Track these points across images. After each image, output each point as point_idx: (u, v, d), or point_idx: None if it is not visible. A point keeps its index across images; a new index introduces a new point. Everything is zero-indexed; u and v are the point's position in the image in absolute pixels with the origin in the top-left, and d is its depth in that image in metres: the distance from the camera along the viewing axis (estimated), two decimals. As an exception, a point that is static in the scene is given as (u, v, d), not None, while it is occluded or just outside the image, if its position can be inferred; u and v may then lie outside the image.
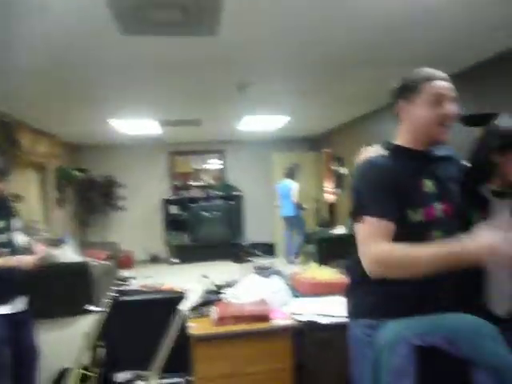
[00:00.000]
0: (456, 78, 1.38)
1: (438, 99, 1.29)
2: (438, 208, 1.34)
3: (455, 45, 2.92)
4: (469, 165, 1.47)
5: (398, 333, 1.20)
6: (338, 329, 1.81)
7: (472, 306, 1.38)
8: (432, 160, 1.39)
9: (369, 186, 1.32)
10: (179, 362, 1.97)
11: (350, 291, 1.47)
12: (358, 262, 1.29)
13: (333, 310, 1.90)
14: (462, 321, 1.22)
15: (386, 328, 1.24)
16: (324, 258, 4.34)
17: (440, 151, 1.41)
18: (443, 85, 1.30)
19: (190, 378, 1.99)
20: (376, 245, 1.23)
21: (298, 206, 6.43)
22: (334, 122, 6.25)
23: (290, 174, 6.52)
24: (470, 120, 1.52)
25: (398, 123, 1.40)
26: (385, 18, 2.39)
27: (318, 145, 7.65)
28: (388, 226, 1.26)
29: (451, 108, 1.30)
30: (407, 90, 1.33)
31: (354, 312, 1.42)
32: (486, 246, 1.13)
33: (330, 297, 2.07)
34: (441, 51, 3.00)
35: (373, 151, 1.40)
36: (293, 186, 6.40)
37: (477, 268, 1.36)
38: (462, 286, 1.39)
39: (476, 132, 1.51)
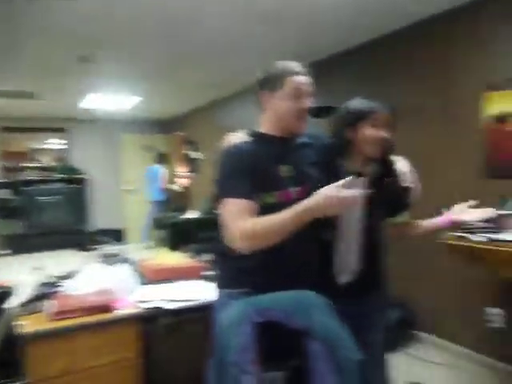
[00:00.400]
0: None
1: (298, 94, 1.38)
2: (294, 191, 1.44)
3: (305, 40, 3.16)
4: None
5: (241, 312, 1.25)
6: (186, 313, 1.83)
7: (323, 278, 1.52)
8: (292, 147, 1.48)
9: (229, 170, 1.40)
10: (9, 367, 1.74)
11: (216, 267, 1.60)
12: (222, 240, 1.38)
13: (180, 294, 1.88)
14: (299, 295, 1.32)
15: (230, 308, 1.28)
16: (175, 243, 4.31)
17: (301, 138, 1.52)
18: (304, 80, 1.40)
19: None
20: (239, 222, 1.31)
21: (166, 191, 6.65)
22: (187, 105, 6.24)
23: (160, 159, 6.75)
24: (316, 112, 1.63)
25: (261, 111, 1.47)
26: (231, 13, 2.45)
27: (171, 128, 7.52)
28: (249, 204, 1.34)
29: (306, 102, 1.41)
30: (270, 82, 1.40)
31: (218, 284, 1.53)
32: (322, 196, 1.26)
33: (178, 282, 2.05)
34: (289, 44, 3.21)
35: (236, 137, 1.47)
36: (161, 171, 6.63)
37: (327, 243, 1.56)
38: (314, 260, 1.53)
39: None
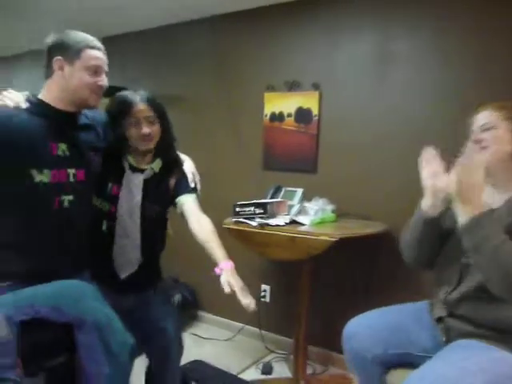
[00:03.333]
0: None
1: (96, 68, 1.35)
2: (71, 173, 1.36)
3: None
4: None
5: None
6: None
7: (102, 272, 1.53)
8: (74, 125, 1.40)
9: None
10: None
11: None
12: None
13: None
14: (65, 286, 1.23)
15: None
16: None
17: (81, 119, 1.44)
18: (101, 55, 1.38)
19: None
20: None
21: None
22: None
23: None
24: (112, 91, 1.62)
25: (48, 77, 1.37)
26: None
27: None
28: None
29: (105, 80, 1.39)
30: (67, 50, 1.33)
31: None
32: None
33: None
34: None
35: (12, 99, 1.30)
36: None
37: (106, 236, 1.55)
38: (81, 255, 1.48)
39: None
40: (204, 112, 3.08)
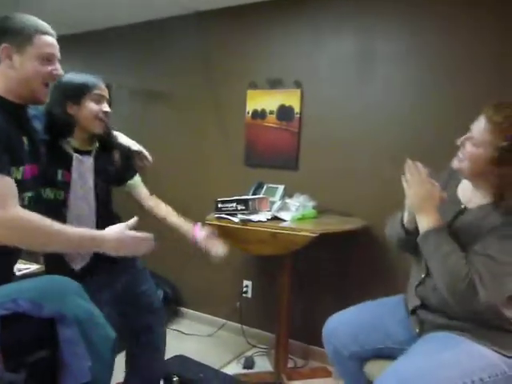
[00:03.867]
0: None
1: (50, 56, 1.24)
2: (29, 168, 1.29)
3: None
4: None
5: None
6: None
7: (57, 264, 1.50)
8: (26, 117, 1.33)
9: None
10: None
11: None
12: None
13: None
14: (48, 282, 1.23)
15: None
16: None
17: (29, 111, 1.37)
18: (54, 42, 1.26)
19: None
20: (10, 208, 1.10)
21: None
22: None
23: None
24: None
25: None
26: None
27: None
28: (10, 182, 1.14)
29: (59, 68, 1.28)
30: (16, 36, 1.19)
31: None
32: (114, 239, 1.26)
33: None
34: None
35: None
36: None
37: None
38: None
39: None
40: (187, 108, 3.07)
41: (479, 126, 1.29)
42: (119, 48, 3.35)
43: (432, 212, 1.29)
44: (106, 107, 1.53)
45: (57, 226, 1.17)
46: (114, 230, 1.29)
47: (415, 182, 1.31)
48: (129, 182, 1.76)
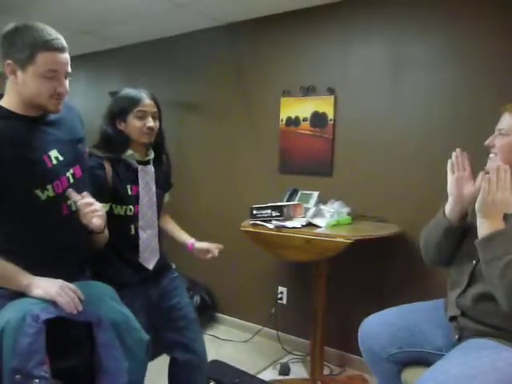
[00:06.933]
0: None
1: (51, 75, 1.19)
2: (70, 175, 1.33)
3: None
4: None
5: (23, 312, 1.14)
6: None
7: (132, 267, 1.62)
8: (46, 126, 1.30)
9: None
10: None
11: None
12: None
13: None
14: (84, 286, 1.28)
15: (6, 309, 1.16)
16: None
17: (50, 116, 1.32)
18: (60, 57, 1.19)
19: None
20: None
21: None
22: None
23: None
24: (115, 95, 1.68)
25: (5, 81, 1.23)
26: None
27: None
28: None
29: (65, 85, 1.23)
30: (18, 53, 1.16)
31: None
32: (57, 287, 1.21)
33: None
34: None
35: None
36: None
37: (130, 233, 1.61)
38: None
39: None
40: (222, 118, 3.14)
41: (504, 120, 1.30)
42: (153, 61, 3.47)
43: (499, 219, 1.24)
44: (149, 122, 1.59)
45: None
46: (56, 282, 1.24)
47: (500, 186, 1.23)
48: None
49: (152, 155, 1.69)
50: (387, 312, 1.60)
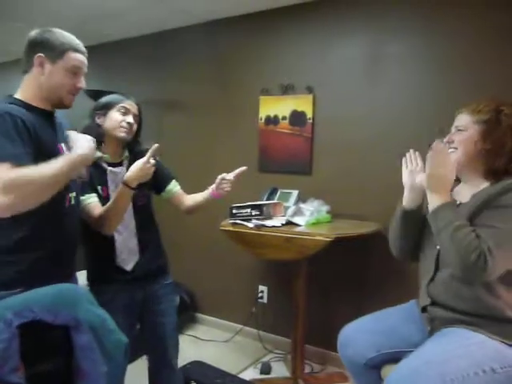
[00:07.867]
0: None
1: (76, 71, 1.36)
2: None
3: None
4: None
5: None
6: None
7: (110, 268, 1.62)
8: (56, 122, 1.42)
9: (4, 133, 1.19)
10: None
11: None
12: None
13: None
14: (60, 289, 1.25)
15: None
16: None
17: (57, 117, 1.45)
18: (83, 59, 1.39)
19: None
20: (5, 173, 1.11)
21: None
22: None
23: None
24: (94, 94, 1.66)
25: (26, 72, 1.35)
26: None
27: None
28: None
29: (83, 82, 1.41)
30: (50, 49, 1.32)
31: None
32: (88, 143, 1.34)
33: None
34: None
35: None
36: None
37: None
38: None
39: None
40: (201, 116, 3.11)
41: (461, 118, 1.43)
42: (132, 59, 3.42)
43: (446, 193, 1.33)
44: (130, 118, 1.64)
45: (41, 165, 1.19)
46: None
47: (440, 161, 1.32)
48: (167, 188, 1.81)
49: (126, 155, 1.68)
50: (364, 319, 1.63)
